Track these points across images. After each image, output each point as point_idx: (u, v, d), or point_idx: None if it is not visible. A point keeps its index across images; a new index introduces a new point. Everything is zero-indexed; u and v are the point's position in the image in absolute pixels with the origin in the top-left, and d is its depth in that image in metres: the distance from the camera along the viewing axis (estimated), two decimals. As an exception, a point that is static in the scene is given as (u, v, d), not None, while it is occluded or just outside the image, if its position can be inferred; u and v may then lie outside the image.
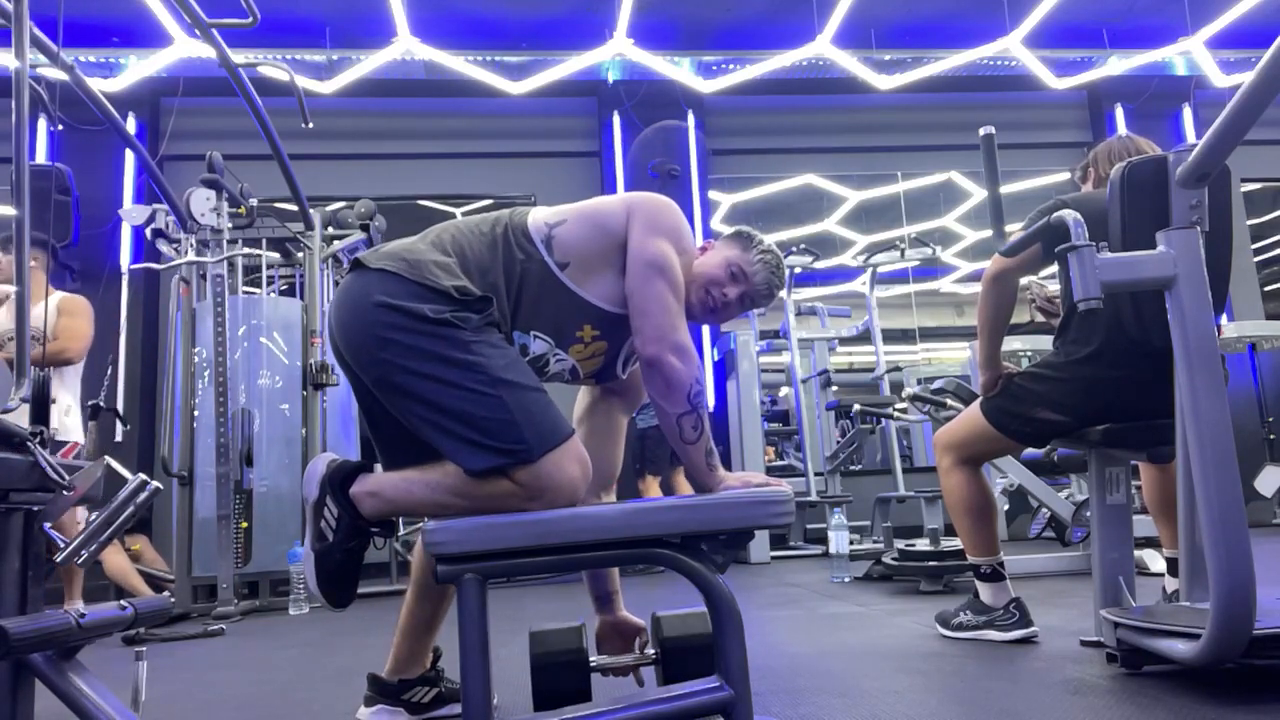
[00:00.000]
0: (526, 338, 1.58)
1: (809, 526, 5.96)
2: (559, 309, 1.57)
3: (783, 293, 5.87)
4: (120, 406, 5.95)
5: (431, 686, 1.78)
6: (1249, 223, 7.46)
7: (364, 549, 1.53)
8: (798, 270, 5.95)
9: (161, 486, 1.53)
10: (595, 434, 1.80)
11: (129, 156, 6.28)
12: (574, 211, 1.61)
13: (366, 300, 1.43)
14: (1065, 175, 7.16)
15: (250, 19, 3.49)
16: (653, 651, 1.62)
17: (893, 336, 7.26)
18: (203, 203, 4.28)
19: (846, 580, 3.95)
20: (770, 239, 1.75)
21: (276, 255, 5.15)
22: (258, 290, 5.20)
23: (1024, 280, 2.35)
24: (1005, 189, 3.62)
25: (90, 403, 4.41)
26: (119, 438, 5.85)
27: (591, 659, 1.56)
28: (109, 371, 4.77)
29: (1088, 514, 3.77)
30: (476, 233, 1.57)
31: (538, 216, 1.60)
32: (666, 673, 1.55)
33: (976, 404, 2.41)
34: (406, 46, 6.21)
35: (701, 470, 1.51)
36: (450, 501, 1.42)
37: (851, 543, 4.39)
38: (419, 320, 1.40)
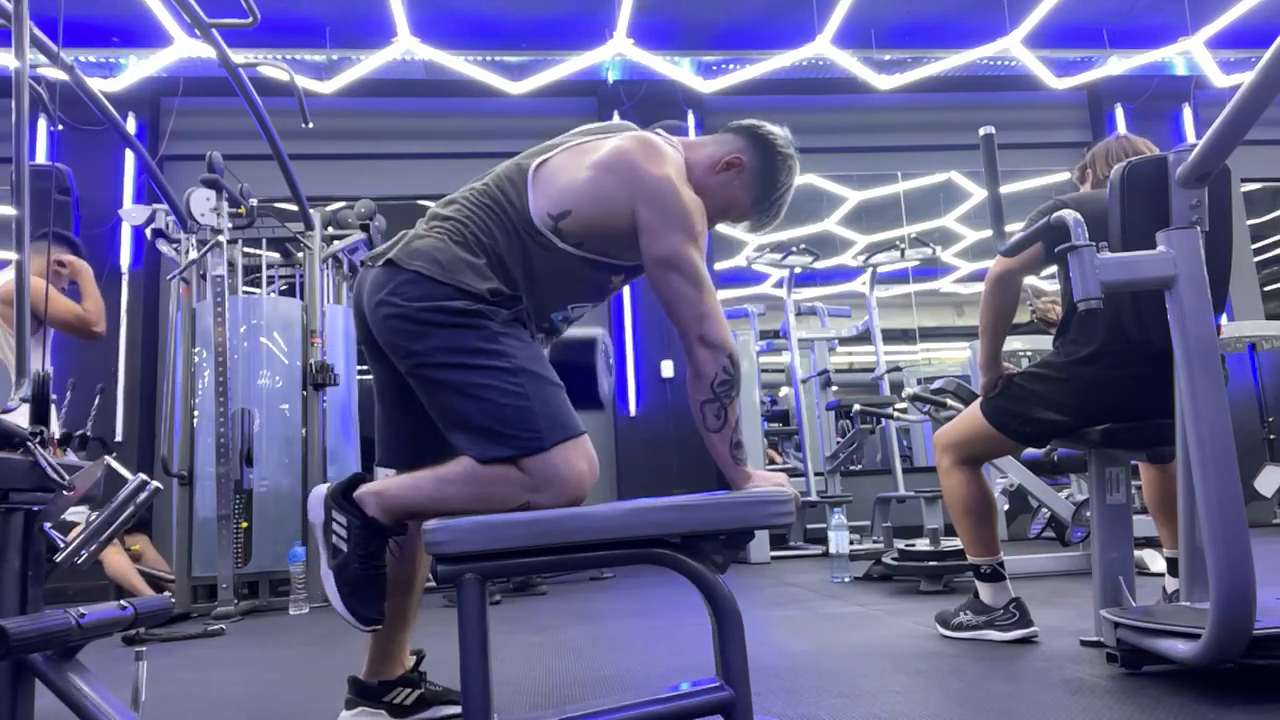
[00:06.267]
0: (565, 312, 1.66)
1: (809, 526, 5.96)
2: (591, 278, 1.63)
3: (783, 292, 5.94)
4: (120, 406, 5.96)
5: (413, 688, 1.77)
6: (1249, 223, 7.46)
7: (381, 557, 1.51)
8: (798, 270, 5.95)
9: (161, 486, 1.53)
10: None
11: (129, 156, 6.27)
12: (574, 202, 1.54)
13: (400, 299, 1.48)
14: (1065, 175, 7.16)
15: (250, 19, 3.49)
16: None
17: (893, 336, 7.26)
18: (203, 203, 4.27)
19: (846, 580, 3.95)
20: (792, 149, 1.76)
21: (276, 255, 5.15)
22: (258, 290, 5.21)
23: (1026, 281, 2.35)
24: (1005, 189, 3.62)
25: (79, 433, 4.38)
26: (119, 438, 5.87)
27: None
28: (96, 401, 4.75)
29: (1088, 514, 3.77)
30: (491, 231, 1.54)
31: (539, 206, 1.55)
32: None
33: (976, 404, 2.41)
34: (406, 46, 6.20)
35: (727, 463, 1.51)
36: (457, 492, 1.44)
37: (851, 543, 4.39)
38: (452, 314, 1.45)
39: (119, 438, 5.89)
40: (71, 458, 1.36)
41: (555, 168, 1.58)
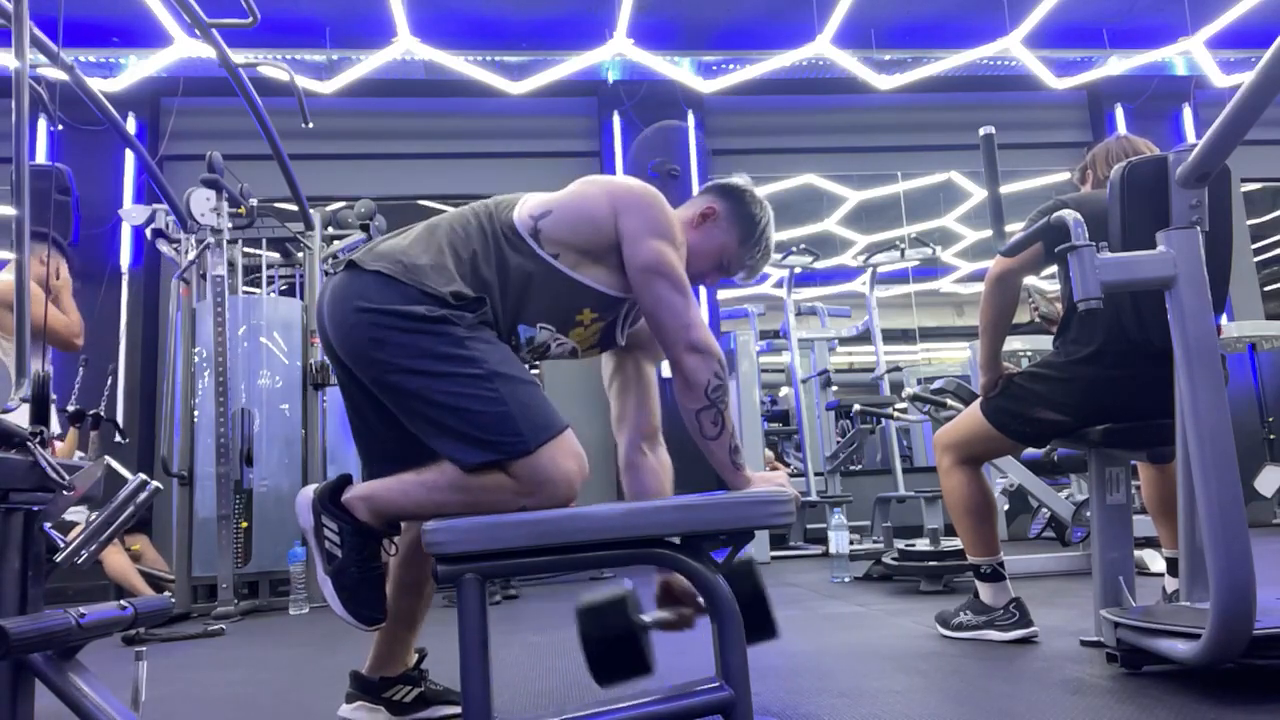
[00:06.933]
0: (532, 330, 1.61)
1: (809, 526, 5.96)
2: (559, 297, 1.58)
3: (783, 292, 5.94)
4: (120, 406, 5.96)
5: (414, 686, 1.77)
6: (1249, 223, 7.46)
7: (377, 558, 1.49)
8: (798, 270, 5.95)
9: (161, 486, 1.53)
10: (627, 388, 1.82)
11: (129, 156, 6.27)
12: (557, 203, 1.59)
13: (361, 303, 1.44)
14: (1065, 175, 7.16)
15: (250, 19, 3.49)
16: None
17: (893, 336, 7.26)
18: (203, 203, 4.27)
19: (846, 580, 3.95)
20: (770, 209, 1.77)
21: (276, 255, 5.15)
22: (258, 290, 5.21)
23: (1027, 281, 2.35)
24: (1005, 189, 3.62)
25: (91, 412, 4.41)
26: (119, 438, 5.86)
27: (647, 616, 1.51)
28: (109, 381, 4.74)
29: (1088, 514, 3.77)
30: (467, 234, 1.55)
31: (522, 211, 1.58)
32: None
33: (976, 404, 2.41)
34: (406, 46, 6.21)
35: (726, 468, 1.51)
36: (447, 499, 1.41)
37: (851, 543, 4.39)
38: (414, 320, 1.41)
39: (119, 439, 5.89)
40: (67, 458, 1.36)
41: (541, 194, 1.65)
